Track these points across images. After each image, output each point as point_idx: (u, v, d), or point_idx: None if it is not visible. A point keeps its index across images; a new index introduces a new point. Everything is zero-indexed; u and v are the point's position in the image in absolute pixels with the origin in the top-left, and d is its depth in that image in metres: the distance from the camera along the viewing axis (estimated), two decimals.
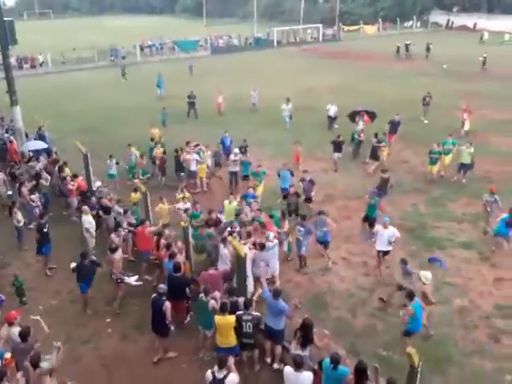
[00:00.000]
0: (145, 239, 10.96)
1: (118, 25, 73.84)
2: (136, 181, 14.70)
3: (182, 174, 15.82)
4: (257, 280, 9.72)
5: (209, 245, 10.75)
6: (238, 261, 9.13)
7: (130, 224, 11.74)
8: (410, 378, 6.44)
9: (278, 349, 8.34)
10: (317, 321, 8.37)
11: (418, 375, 6.43)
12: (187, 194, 13.28)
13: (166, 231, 10.94)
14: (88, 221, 11.61)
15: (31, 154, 16.57)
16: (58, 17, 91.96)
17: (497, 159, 17.83)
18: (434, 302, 8.99)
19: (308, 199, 13.69)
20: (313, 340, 7.62)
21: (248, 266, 9.36)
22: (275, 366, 8.35)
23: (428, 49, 41.14)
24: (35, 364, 6.63)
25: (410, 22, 63.66)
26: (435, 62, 38.23)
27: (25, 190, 13.36)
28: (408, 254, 11.69)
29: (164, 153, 16.46)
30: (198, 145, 16.46)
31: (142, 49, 45.89)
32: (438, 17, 67.83)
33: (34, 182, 14.20)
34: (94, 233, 11.74)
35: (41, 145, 17.07)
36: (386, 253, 10.86)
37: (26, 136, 18.41)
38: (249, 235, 10.36)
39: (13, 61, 31.24)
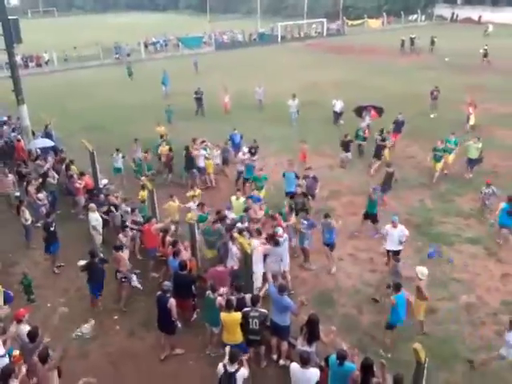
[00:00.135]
0: (151, 237, 11.01)
1: (121, 22, 73.69)
2: (143, 178, 14.67)
3: (194, 170, 15.75)
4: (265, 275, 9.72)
5: (218, 241, 10.68)
6: (245, 257, 9.14)
7: (135, 222, 11.72)
8: (417, 374, 6.43)
9: (285, 345, 8.36)
10: (323, 317, 8.37)
11: (425, 371, 6.41)
12: (197, 191, 13.26)
13: (172, 227, 10.92)
14: (95, 218, 11.66)
15: (39, 152, 16.67)
16: (62, 15, 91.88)
17: (502, 153, 17.72)
18: (427, 297, 8.84)
19: (311, 196, 13.57)
20: (319, 336, 7.62)
21: (256, 262, 9.35)
22: (281, 362, 8.39)
23: (432, 42, 40.70)
24: (44, 359, 6.63)
25: (415, 16, 62.92)
26: (439, 55, 37.89)
27: (32, 188, 13.44)
28: (415, 250, 11.69)
29: (170, 150, 16.45)
30: (204, 141, 16.47)
31: (146, 46, 45.79)
32: (443, 10, 67.12)
33: (41, 180, 14.28)
34: (100, 230, 11.79)
35: (48, 143, 17.21)
36: (396, 252, 10.69)
37: (33, 134, 18.49)
38: (259, 233, 10.29)
39: (18, 59, 31.47)
